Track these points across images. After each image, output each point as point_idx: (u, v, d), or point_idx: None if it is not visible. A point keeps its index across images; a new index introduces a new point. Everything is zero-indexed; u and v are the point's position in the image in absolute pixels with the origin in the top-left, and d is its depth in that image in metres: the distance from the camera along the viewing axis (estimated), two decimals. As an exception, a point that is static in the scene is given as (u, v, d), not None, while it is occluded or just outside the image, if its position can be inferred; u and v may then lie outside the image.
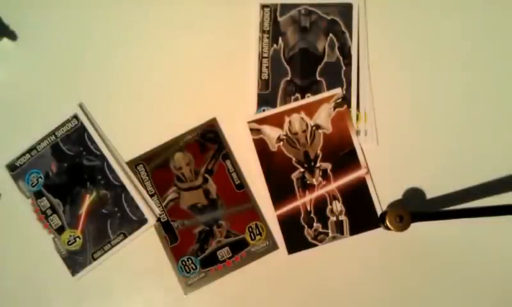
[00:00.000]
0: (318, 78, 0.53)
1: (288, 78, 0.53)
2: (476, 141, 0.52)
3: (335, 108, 0.52)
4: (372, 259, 0.51)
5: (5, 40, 0.54)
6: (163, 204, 0.51)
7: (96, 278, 0.51)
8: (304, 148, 0.52)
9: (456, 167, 0.51)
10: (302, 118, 0.52)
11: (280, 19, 0.54)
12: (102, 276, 0.51)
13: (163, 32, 0.54)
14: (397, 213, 0.46)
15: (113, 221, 0.51)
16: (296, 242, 0.51)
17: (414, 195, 0.51)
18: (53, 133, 0.52)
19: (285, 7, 0.54)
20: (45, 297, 0.51)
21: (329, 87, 0.53)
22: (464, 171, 0.51)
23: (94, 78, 0.54)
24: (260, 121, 0.52)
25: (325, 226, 0.51)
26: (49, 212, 0.51)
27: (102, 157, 0.51)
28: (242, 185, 0.52)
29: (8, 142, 0.53)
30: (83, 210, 0.51)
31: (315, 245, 0.51)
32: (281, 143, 0.52)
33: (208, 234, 0.51)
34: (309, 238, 0.51)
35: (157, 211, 0.51)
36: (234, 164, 0.52)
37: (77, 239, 0.51)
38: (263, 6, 0.54)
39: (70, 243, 0.51)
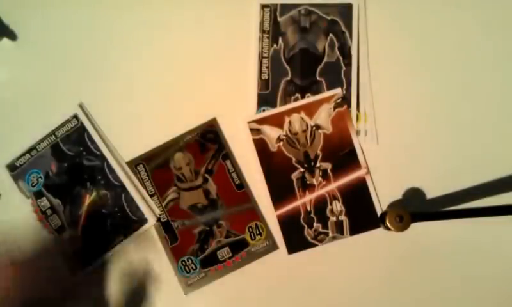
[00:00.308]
0: (318, 78, 0.53)
1: (288, 78, 0.53)
2: (476, 141, 0.52)
3: (335, 108, 0.52)
4: (372, 259, 0.51)
5: (5, 40, 0.54)
6: (163, 204, 0.51)
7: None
8: (304, 148, 0.52)
9: (456, 167, 0.51)
10: (302, 118, 0.52)
11: (279, 19, 0.54)
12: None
13: (163, 32, 0.54)
14: (397, 213, 0.46)
15: (113, 221, 0.51)
16: (296, 242, 0.51)
17: (414, 195, 0.51)
18: (53, 133, 0.52)
19: (285, 8, 0.54)
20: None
21: (329, 87, 0.53)
22: (464, 171, 0.51)
23: (94, 79, 0.54)
24: (260, 121, 0.52)
25: (325, 226, 0.51)
26: (49, 212, 0.51)
27: (102, 157, 0.51)
28: (242, 185, 0.52)
29: (8, 142, 0.53)
30: (83, 210, 0.51)
31: (315, 245, 0.51)
32: (281, 143, 0.52)
33: (208, 234, 0.51)
34: (309, 238, 0.51)
35: (157, 211, 0.51)
36: (234, 164, 0.52)
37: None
38: (263, 6, 0.54)
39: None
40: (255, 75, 0.53)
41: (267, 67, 0.53)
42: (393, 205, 0.51)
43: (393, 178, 0.51)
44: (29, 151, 0.52)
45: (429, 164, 0.51)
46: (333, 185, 0.51)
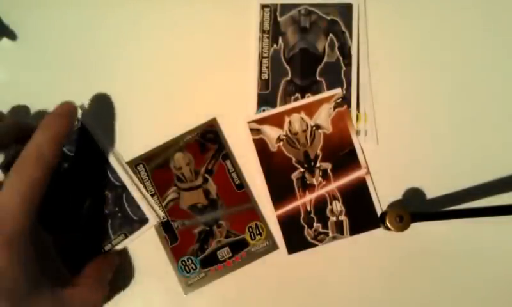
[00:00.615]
0: (318, 78, 0.53)
1: (288, 78, 0.53)
2: (476, 141, 0.52)
3: (335, 108, 0.52)
4: (372, 259, 0.51)
5: (5, 40, 0.54)
6: (163, 204, 0.51)
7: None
8: (304, 148, 0.52)
9: (456, 167, 0.51)
10: (302, 118, 0.52)
11: (280, 19, 0.54)
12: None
13: (163, 32, 0.54)
14: (397, 213, 0.46)
15: (114, 221, 0.51)
16: (296, 242, 0.51)
17: (414, 195, 0.51)
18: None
19: (285, 8, 0.54)
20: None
21: (329, 87, 0.53)
22: (464, 171, 0.51)
23: (94, 78, 0.54)
24: (260, 121, 0.52)
25: (325, 226, 0.51)
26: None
27: (103, 157, 0.51)
28: (242, 185, 0.52)
29: (8, 142, 0.53)
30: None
31: (315, 245, 0.51)
32: (281, 143, 0.52)
33: (208, 234, 0.51)
34: (309, 238, 0.51)
35: (161, 214, 0.51)
36: (234, 164, 0.52)
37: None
38: (263, 6, 0.54)
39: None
40: (255, 75, 0.53)
41: (267, 67, 0.53)
42: (393, 205, 0.51)
43: (393, 178, 0.51)
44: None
45: (429, 164, 0.51)
46: (333, 185, 0.51)
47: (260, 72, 0.53)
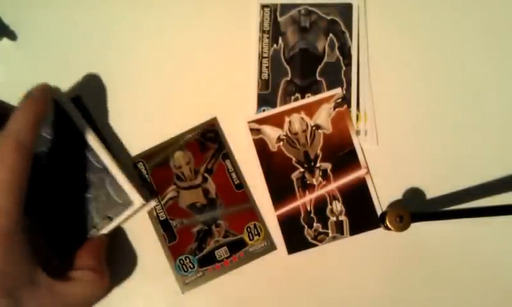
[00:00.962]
0: (318, 78, 0.53)
1: (288, 78, 0.53)
2: (476, 141, 0.52)
3: (335, 108, 0.52)
4: (372, 259, 0.50)
5: (5, 40, 0.54)
6: (162, 202, 0.51)
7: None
8: (304, 148, 0.52)
9: (456, 167, 0.51)
10: (302, 118, 0.52)
11: (280, 19, 0.54)
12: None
13: (163, 31, 0.54)
14: (397, 213, 0.45)
15: (98, 205, 0.49)
16: (296, 242, 0.51)
17: (414, 195, 0.51)
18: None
19: (285, 8, 0.54)
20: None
21: (329, 87, 0.53)
22: (464, 171, 0.51)
23: (94, 78, 0.54)
24: (260, 121, 0.52)
25: (325, 226, 0.51)
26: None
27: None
28: (242, 185, 0.52)
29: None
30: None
31: (315, 245, 0.51)
32: (281, 143, 0.52)
33: (207, 233, 0.51)
34: (309, 238, 0.51)
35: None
36: (234, 163, 0.52)
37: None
38: (263, 6, 0.54)
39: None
40: (255, 75, 0.53)
41: (267, 67, 0.53)
42: (393, 205, 0.51)
43: (393, 178, 0.51)
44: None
45: (429, 164, 0.51)
46: (333, 185, 0.51)
47: (260, 72, 0.53)
